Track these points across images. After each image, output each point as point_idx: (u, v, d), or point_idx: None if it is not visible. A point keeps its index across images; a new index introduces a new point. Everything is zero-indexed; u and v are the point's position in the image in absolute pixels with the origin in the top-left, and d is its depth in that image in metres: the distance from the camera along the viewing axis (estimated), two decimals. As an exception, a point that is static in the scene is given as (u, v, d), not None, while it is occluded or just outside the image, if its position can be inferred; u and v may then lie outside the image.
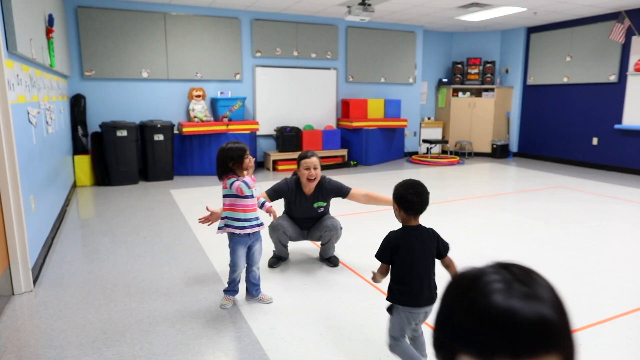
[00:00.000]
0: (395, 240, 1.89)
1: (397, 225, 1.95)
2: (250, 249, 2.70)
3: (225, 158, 2.52)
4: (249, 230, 2.62)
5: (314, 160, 3.08)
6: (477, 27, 8.93)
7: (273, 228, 3.20)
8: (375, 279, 1.96)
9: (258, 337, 2.32)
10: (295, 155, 7.46)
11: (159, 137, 6.38)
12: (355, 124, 7.89)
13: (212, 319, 2.50)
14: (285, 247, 3.34)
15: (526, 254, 3.59)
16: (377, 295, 2.81)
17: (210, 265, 3.32)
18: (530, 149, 9.08)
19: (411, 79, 8.96)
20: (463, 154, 9.32)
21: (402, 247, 1.87)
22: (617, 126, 7.37)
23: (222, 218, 2.64)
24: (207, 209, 2.84)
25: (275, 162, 7.47)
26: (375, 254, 1.93)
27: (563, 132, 8.37)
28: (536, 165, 8.13)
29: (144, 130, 6.36)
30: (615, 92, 7.43)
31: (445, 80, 9.63)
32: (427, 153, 9.05)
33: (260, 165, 7.75)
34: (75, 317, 2.51)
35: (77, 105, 6.22)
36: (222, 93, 7.13)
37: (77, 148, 6.16)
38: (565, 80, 8.20)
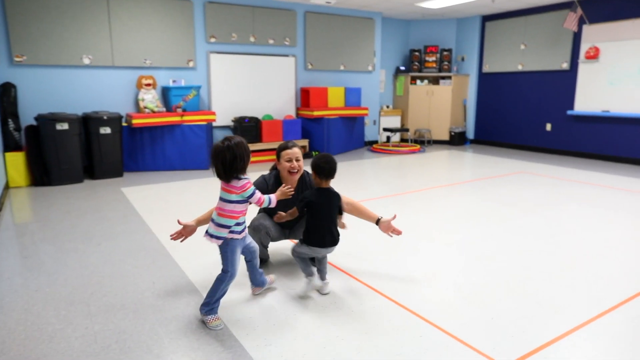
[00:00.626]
0: (310, 197, 2.56)
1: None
2: (246, 245, 2.43)
3: (235, 156, 2.15)
4: (245, 231, 2.39)
5: (296, 152, 2.79)
6: (434, 14, 8.90)
7: (255, 229, 2.87)
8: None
9: (256, 358, 2.01)
10: (255, 147, 7.09)
11: (106, 130, 5.77)
12: (317, 113, 7.62)
13: (196, 339, 2.16)
14: (266, 248, 3.03)
15: (513, 244, 3.50)
16: (376, 296, 2.58)
17: (182, 272, 2.94)
18: (486, 136, 9.23)
19: (370, 67, 8.79)
20: (422, 142, 9.32)
21: (314, 203, 2.54)
22: (569, 112, 7.61)
23: (223, 226, 2.25)
24: (179, 222, 2.46)
25: (234, 154, 7.03)
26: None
27: (518, 118, 8.56)
28: (493, 152, 8.26)
29: (87, 122, 5.73)
30: (567, 79, 7.65)
31: (403, 68, 9.56)
32: (387, 142, 8.96)
33: (217, 159, 7.29)
34: (25, 349, 2.08)
35: (7, 95, 5.47)
36: (174, 81, 6.59)
37: (9, 144, 5.43)
38: (519, 67, 8.37)
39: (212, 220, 2.29)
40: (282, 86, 7.78)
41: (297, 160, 2.79)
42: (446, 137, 9.29)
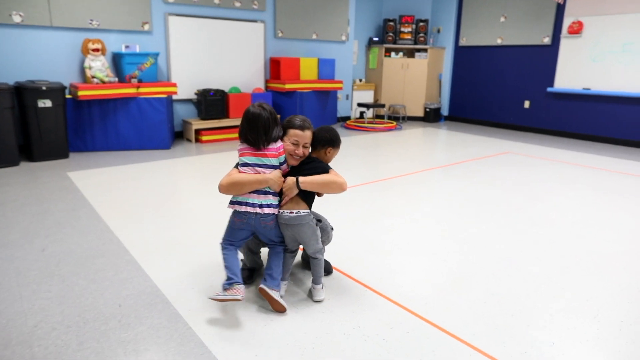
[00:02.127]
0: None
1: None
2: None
3: (276, 122, 2.18)
4: None
5: (308, 135, 2.21)
6: (410, -19, 8.35)
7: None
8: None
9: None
10: (222, 123, 6.39)
11: (45, 102, 4.88)
12: (288, 86, 6.97)
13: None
14: (257, 253, 2.48)
15: (540, 243, 3.14)
16: (402, 314, 2.10)
17: (154, 286, 2.34)
18: (461, 113, 8.94)
19: (344, 37, 8.17)
20: (397, 118, 8.90)
21: None
22: (549, 89, 7.40)
23: (276, 194, 2.23)
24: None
25: (198, 131, 6.31)
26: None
27: (495, 95, 8.30)
28: (471, 130, 7.98)
29: (22, 93, 4.81)
30: (548, 55, 7.41)
31: (376, 39, 9.00)
32: (360, 118, 8.47)
33: (178, 136, 6.53)
34: None
35: None
36: (127, 47, 5.70)
37: None
38: (499, 41, 8.04)
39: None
40: (250, 55, 7.03)
41: (305, 147, 2.22)
42: (421, 114, 8.91)
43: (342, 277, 2.51)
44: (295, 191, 2.16)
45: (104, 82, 5.30)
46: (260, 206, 2.14)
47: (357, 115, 8.75)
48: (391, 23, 8.76)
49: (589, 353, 1.89)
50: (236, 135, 6.54)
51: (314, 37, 7.73)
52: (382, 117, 8.81)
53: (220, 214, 3.37)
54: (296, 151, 2.20)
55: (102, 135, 5.48)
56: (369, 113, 8.59)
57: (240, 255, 2.54)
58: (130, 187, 4.08)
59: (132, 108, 5.51)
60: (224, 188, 2.15)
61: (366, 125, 7.91)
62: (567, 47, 7.12)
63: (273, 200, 2.17)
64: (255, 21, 6.95)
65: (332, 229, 2.52)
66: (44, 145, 4.96)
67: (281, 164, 2.20)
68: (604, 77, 6.78)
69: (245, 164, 2.17)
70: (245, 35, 6.90)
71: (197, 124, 6.25)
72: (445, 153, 6.02)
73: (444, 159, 5.57)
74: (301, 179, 2.15)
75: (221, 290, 2.07)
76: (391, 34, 8.80)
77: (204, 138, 6.28)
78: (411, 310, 2.17)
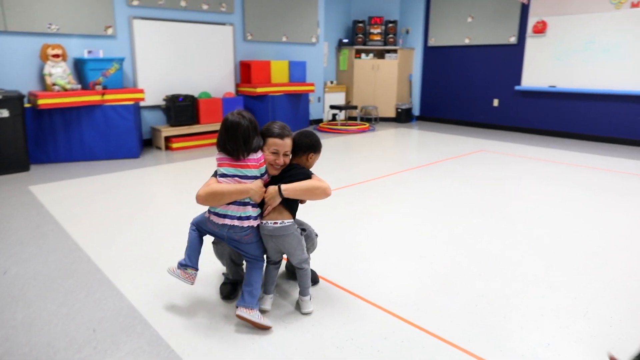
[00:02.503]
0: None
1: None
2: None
3: (256, 131, 2.07)
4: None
5: (288, 144, 2.12)
6: (378, -17, 8.37)
7: (219, 254, 2.25)
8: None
9: None
10: (192, 129, 6.21)
11: (2, 113, 4.59)
12: (260, 90, 6.84)
13: None
14: (240, 265, 2.37)
15: (523, 242, 3.14)
16: (394, 322, 2.04)
17: (130, 306, 2.19)
18: (432, 112, 9.03)
19: (314, 39, 8.11)
20: (369, 120, 8.90)
21: None
22: (517, 87, 7.56)
23: (256, 206, 2.11)
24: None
25: (167, 139, 6.10)
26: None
27: (464, 94, 8.42)
28: (442, 129, 8.06)
29: (-24, 104, 4.51)
30: (515, 54, 7.57)
31: (346, 40, 8.99)
32: (333, 120, 8.43)
33: (147, 144, 6.29)
34: None
35: None
36: (90, 52, 5.44)
37: None
38: (466, 41, 8.16)
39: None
40: (219, 59, 6.86)
41: (285, 155, 2.13)
42: (392, 114, 8.94)
43: (329, 286, 2.42)
44: (278, 200, 2.07)
45: (65, 90, 5.04)
46: (240, 218, 2.03)
47: (330, 117, 8.71)
48: (360, 24, 8.76)
49: (585, 351, 1.87)
50: (209, 141, 6.39)
51: (284, 39, 7.64)
52: (354, 118, 8.79)
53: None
54: (276, 161, 2.10)
55: (65, 145, 5.21)
56: (341, 115, 8.56)
57: (223, 269, 2.43)
58: (98, 200, 3.87)
59: (97, 116, 5.26)
60: (201, 199, 2.03)
61: (339, 127, 7.87)
62: (533, 46, 7.30)
63: (253, 212, 2.06)
64: (223, 24, 6.80)
65: (317, 235, 2.44)
66: (2, 158, 4.66)
67: (262, 175, 2.09)
68: (568, 75, 6.97)
69: (224, 175, 2.05)
70: (214, 38, 6.74)
71: (167, 131, 6.04)
72: (420, 153, 6.04)
73: (420, 159, 5.57)
74: (284, 186, 2.06)
75: (177, 267, 2.16)
76: (361, 36, 8.80)
77: (175, 145, 6.08)
78: (403, 318, 2.11)
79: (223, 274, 2.40)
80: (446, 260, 2.75)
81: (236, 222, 2.02)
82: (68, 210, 3.60)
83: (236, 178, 2.04)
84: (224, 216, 2.04)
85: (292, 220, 2.11)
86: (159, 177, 4.74)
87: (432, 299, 2.29)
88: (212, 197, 2.02)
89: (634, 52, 6.30)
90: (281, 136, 2.08)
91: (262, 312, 2.10)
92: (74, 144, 5.24)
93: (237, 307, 2.01)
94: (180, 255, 2.21)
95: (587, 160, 5.56)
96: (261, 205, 2.10)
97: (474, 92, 8.25)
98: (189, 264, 2.14)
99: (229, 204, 2.03)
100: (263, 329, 2.00)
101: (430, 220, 3.43)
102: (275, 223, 2.07)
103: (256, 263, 2.12)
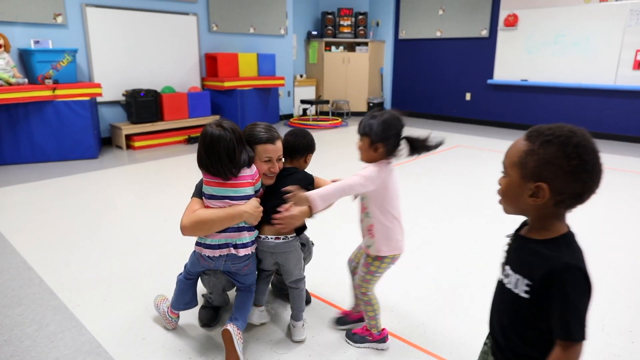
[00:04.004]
0: None
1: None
2: None
3: (241, 142, 1.74)
4: None
5: (279, 147, 1.84)
6: (348, -27, 8.12)
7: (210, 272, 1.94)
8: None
9: None
10: (156, 127, 5.78)
11: None
12: (228, 84, 6.47)
13: None
14: (225, 290, 2.06)
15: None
16: (401, 348, 1.81)
17: (89, 337, 1.86)
18: (403, 106, 8.89)
19: (282, 30, 7.78)
20: (341, 114, 8.67)
21: None
22: (489, 81, 7.53)
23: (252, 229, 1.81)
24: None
25: (129, 137, 5.64)
26: None
27: (436, 88, 8.33)
28: (414, 123, 7.93)
29: None
30: (487, 47, 7.52)
31: (315, 33, 8.70)
32: (304, 115, 8.15)
33: (106, 143, 5.81)
34: None
35: None
36: (37, 43, 4.92)
37: None
38: (438, 34, 8.05)
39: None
40: (183, 51, 6.43)
41: (279, 160, 1.85)
42: (364, 109, 8.75)
43: (322, 305, 2.17)
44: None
45: (10, 84, 4.52)
46: (235, 246, 1.73)
47: (300, 112, 8.42)
48: (330, 16, 8.49)
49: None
50: (174, 139, 5.98)
51: (252, 31, 7.27)
52: (326, 113, 8.54)
53: (168, 234, 2.90)
54: (272, 169, 1.82)
55: (12, 146, 4.70)
56: (312, 110, 8.29)
57: (204, 290, 2.12)
58: (52, 208, 3.45)
59: (48, 113, 4.76)
60: (188, 230, 1.71)
61: (311, 122, 7.60)
62: (504, 39, 7.26)
63: (249, 237, 1.77)
64: (186, 14, 6.36)
65: (313, 244, 2.18)
66: (-64, 162, 4.12)
67: (257, 191, 1.80)
68: (539, 68, 6.98)
69: (213, 197, 1.73)
70: (177, 29, 6.29)
71: (128, 129, 5.59)
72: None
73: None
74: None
75: (164, 305, 1.94)
76: (330, 28, 8.54)
77: (137, 144, 5.63)
78: (411, 342, 1.89)
79: (203, 295, 2.09)
80: (444, 269, 2.56)
81: (232, 251, 1.73)
82: (16, 220, 3.17)
83: (227, 200, 1.72)
84: (218, 247, 1.74)
85: (294, 234, 1.84)
86: (121, 180, 4.33)
87: (438, 317, 2.09)
88: (200, 227, 1.70)
89: (603, 46, 6.36)
90: (271, 140, 1.79)
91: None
92: (22, 144, 4.73)
93: (228, 323, 1.74)
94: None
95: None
96: (257, 226, 1.81)
97: (446, 86, 8.17)
98: (176, 318, 1.95)
99: (220, 231, 1.72)
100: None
101: (419, 223, 3.24)
102: (278, 239, 1.79)
103: (250, 289, 1.86)
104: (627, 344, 1.90)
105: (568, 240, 0.95)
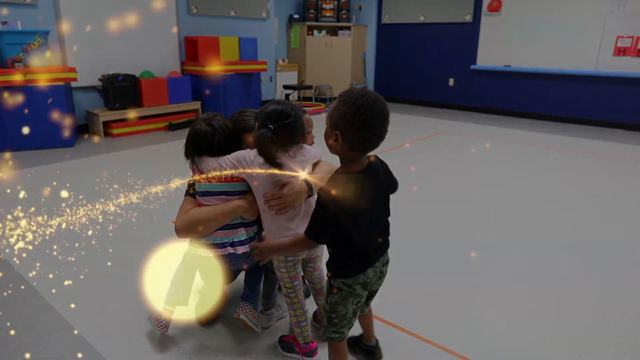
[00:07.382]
0: None
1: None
2: None
3: (232, 135, 1.65)
4: None
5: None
6: (330, -46, 7.93)
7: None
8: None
9: None
10: (135, 113, 5.55)
11: None
12: (209, 69, 6.26)
13: None
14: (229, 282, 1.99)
15: (522, 234, 2.99)
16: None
17: (80, 340, 1.75)
18: (386, 92, 8.83)
19: (264, 14, 7.56)
20: (324, 100, 8.56)
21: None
22: (472, 67, 7.52)
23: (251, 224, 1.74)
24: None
25: (106, 124, 5.42)
26: None
27: (420, 73, 8.28)
28: (398, 109, 7.89)
29: None
30: (470, 33, 7.49)
31: (297, 16, 8.51)
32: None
33: (83, 130, 5.56)
34: None
35: None
36: (5, 24, 4.62)
37: None
38: (421, 19, 7.98)
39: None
40: (161, 34, 6.18)
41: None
42: (347, 94, 8.64)
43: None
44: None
45: (-23, 69, 4.24)
46: (232, 244, 1.64)
47: (283, 98, 8.25)
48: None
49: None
50: (154, 126, 5.78)
51: (233, 13, 7.04)
52: (309, 99, 8.41)
53: (156, 227, 2.78)
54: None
55: (-19, 134, 4.44)
56: (295, 95, 8.15)
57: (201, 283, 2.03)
58: (23, 201, 3.26)
59: (19, 99, 4.50)
60: (183, 232, 1.61)
61: (295, 108, 7.46)
62: (488, 24, 7.24)
63: (247, 233, 1.67)
64: (164, -6, 6.10)
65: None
66: None
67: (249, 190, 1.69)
68: (522, 54, 7.00)
69: (207, 194, 1.63)
70: (155, 10, 6.03)
71: (105, 115, 5.36)
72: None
73: (382, 143, 5.34)
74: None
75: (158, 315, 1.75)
76: (312, 11, 8.36)
77: (115, 131, 5.42)
78: (418, 335, 1.85)
79: (200, 292, 2.00)
80: (451, 271, 2.52)
81: (230, 250, 1.63)
82: (-10, 215, 2.99)
83: (223, 196, 1.62)
84: (214, 246, 1.65)
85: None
86: (99, 169, 4.14)
87: (433, 305, 2.05)
88: (194, 227, 1.60)
89: (585, 32, 6.41)
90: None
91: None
92: (-8, 132, 4.47)
93: (240, 305, 1.75)
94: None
95: (566, 142, 5.60)
96: (257, 221, 1.71)
97: (429, 71, 8.14)
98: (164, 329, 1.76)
99: (216, 230, 1.63)
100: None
101: (415, 218, 3.20)
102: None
103: (258, 266, 1.77)
104: (629, 330, 1.90)
105: (352, 176, 1.25)
